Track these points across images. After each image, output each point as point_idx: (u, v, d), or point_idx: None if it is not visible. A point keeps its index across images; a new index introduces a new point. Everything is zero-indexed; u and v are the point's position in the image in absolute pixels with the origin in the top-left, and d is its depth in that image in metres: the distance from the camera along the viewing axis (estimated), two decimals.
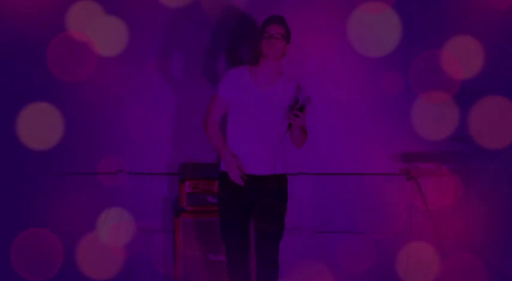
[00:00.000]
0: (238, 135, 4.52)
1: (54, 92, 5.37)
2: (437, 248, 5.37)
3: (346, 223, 5.56)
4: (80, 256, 5.35)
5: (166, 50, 5.49)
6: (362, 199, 5.57)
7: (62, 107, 5.38)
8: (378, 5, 5.45)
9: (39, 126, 5.36)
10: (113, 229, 5.40)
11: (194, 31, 5.48)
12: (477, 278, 5.29)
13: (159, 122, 5.50)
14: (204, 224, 5.20)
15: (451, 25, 5.48)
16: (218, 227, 4.55)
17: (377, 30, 5.46)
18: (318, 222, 5.58)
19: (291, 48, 4.56)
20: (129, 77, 5.46)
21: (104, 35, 5.37)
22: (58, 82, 5.35)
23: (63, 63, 5.35)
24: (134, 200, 5.44)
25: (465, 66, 5.43)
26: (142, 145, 5.48)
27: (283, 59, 4.56)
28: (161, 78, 5.50)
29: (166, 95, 5.51)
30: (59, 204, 5.34)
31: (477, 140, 5.40)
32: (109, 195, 5.40)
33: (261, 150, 4.49)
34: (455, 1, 5.51)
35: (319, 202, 5.58)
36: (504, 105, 5.40)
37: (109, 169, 5.44)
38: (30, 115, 5.33)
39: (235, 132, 4.53)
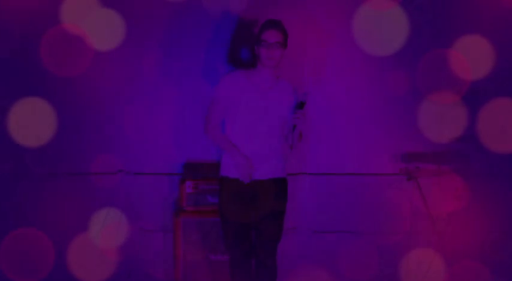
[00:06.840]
0: (237, 141, 4.51)
1: (51, 88, 5.33)
2: (437, 248, 5.37)
3: (346, 223, 5.56)
4: (79, 256, 5.33)
5: (166, 46, 5.46)
6: (362, 199, 5.56)
7: (60, 104, 5.34)
8: (385, 2, 5.40)
9: (35, 124, 5.32)
10: (112, 229, 5.38)
11: (195, 26, 5.45)
12: (478, 279, 5.31)
13: (159, 122, 5.48)
14: (204, 224, 5.19)
15: (460, 24, 5.44)
16: (218, 227, 4.55)
17: (383, 28, 5.42)
18: (318, 222, 5.57)
19: (293, 48, 4.54)
20: (128, 75, 5.43)
21: (102, 28, 5.33)
22: (55, 78, 5.31)
23: (62, 59, 5.31)
24: (134, 200, 5.44)
25: (474, 66, 5.39)
26: (142, 144, 5.46)
27: (283, 60, 4.54)
28: (161, 76, 5.48)
29: (166, 93, 5.49)
30: (58, 204, 5.32)
31: (480, 141, 5.40)
32: (109, 195, 5.38)
33: (260, 155, 4.48)
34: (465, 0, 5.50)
35: (319, 202, 5.57)
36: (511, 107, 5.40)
37: (109, 169, 5.43)
38: (26, 112, 5.28)
39: (234, 138, 4.51)
